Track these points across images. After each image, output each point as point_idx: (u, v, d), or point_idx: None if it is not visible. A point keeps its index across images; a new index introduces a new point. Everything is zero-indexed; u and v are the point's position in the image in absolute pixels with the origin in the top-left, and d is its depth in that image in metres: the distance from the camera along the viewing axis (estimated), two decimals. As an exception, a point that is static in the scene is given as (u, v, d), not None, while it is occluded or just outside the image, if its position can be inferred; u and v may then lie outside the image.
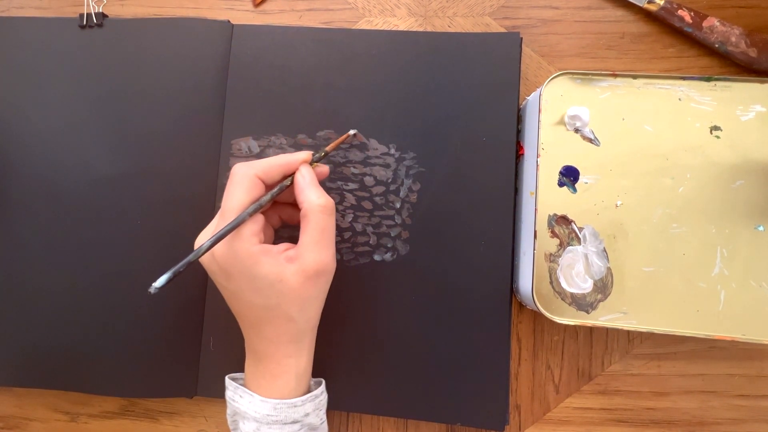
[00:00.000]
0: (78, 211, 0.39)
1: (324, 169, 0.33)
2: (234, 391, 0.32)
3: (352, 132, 0.36)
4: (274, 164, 0.31)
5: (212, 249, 0.28)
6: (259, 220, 0.29)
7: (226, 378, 0.33)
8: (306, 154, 0.32)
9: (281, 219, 0.35)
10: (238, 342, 0.32)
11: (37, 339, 0.38)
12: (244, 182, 0.29)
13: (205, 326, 0.37)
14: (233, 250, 0.28)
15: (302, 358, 0.32)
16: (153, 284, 0.25)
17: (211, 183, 0.38)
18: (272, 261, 0.29)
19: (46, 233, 0.39)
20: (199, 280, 0.38)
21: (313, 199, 0.30)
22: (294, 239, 0.30)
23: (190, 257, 0.26)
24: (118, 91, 0.40)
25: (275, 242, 0.32)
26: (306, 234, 0.29)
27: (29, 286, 0.39)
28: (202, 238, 0.31)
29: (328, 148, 0.34)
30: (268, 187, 0.31)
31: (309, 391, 0.33)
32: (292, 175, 0.31)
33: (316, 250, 0.29)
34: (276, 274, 0.28)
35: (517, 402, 0.37)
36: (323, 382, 0.34)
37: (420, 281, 0.36)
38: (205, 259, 0.30)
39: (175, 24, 0.40)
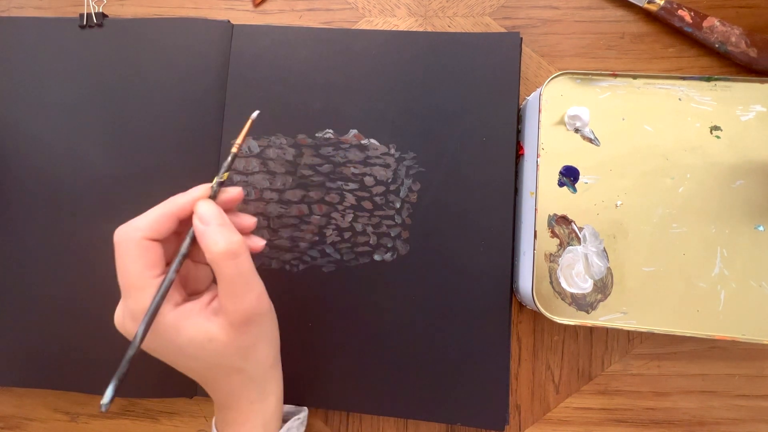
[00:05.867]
0: (78, 211, 0.39)
1: (233, 193, 0.28)
2: None
3: (254, 114, 0.31)
4: (162, 215, 0.26)
5: (127, 332, 0.26)
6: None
7: (213, 420, 0.32)
8: (202, 189, 0.28)
9: None
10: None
11: (37, 339, 0.38)
12: (130, 250, 0.25)
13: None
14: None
15: (267, 400, 0.29)
16: (101, 402, 0.23)
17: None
18: (195, 322, 0.26)
19: (46, 233, 0.39)
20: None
21: (211, 247, 0.25)
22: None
23: (129, 354, 0.24)
24: (118, 91, 0.40)
25: None
26: (219, 284, 0.26)
27: (29, 286, 0.39)
28: (118, 317, 0.27)
29: (238, 140, 0.29)
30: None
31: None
32: (190, 218, 0.27)
33: (234, 299, 0.26)
34: (204, 334, 0.26)
35: (517, 402, 0.37)
36: (305, 411, 0.32)
37: (420, 281, 0.36)
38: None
39: (175, 24, 0.40)
